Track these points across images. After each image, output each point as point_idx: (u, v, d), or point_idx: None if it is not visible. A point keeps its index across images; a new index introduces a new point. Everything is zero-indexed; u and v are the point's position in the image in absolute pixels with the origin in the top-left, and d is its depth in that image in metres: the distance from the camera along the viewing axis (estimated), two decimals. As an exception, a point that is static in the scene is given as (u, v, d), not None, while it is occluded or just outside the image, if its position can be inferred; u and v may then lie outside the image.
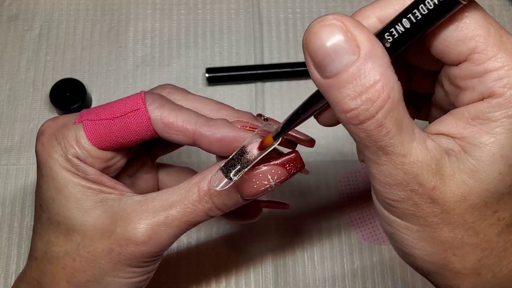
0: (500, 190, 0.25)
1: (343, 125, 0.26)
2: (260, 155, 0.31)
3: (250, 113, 0.37)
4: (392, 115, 0.24)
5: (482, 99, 0.25)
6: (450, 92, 0.26)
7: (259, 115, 0.39)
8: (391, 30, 0.25)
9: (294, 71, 0.59)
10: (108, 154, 0.35)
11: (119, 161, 0.36)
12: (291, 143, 0.37)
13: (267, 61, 0.60)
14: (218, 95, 0.58)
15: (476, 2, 0.24)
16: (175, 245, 0.52)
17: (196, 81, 0.59)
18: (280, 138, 0.31)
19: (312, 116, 0.31)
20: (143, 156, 0.41)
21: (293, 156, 0.34)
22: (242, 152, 0.32)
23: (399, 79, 0.24)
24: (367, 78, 0.23)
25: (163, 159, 0.46)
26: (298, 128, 0.32)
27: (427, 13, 0.24)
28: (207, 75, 0.58)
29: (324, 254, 0.52)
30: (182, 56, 0.60)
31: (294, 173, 0.34)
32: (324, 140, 0.55)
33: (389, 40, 0.25)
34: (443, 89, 0.28)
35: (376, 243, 0.53)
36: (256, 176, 0.33)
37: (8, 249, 0.52)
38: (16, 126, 0.57)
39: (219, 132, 0.34)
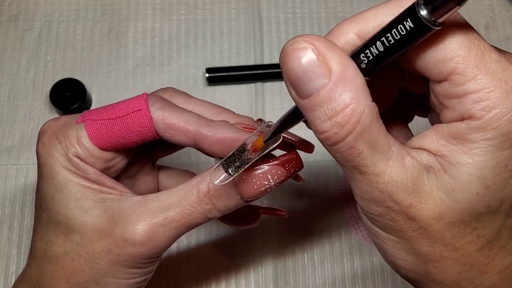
0: (478, 209, 0.25)
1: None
2: (260, 154, 0.32)
3: (251, 118, 0.37)
4: (363, 138, 0.24)
5: (462, 120, 0.25)
6: (436, 104, 0.27)
7: (260, 120, 0.39)
8: (366, 52, 0.25)
9: (294, 71, 0.58)
10: (109, 154, 0.35)
11: (119, 162, 0.37)
12: (291, 146, 0.38)
13: (267, 61, 0.60)
14: (218, 95, 0.58)
15: (460, 20, 0.24)
16: (175, 246, 0.52)
17: (196, 81, 0.59)
18: (281, 138, 0.31)
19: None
20: (143, 158, 0.41)
21: (293, 156, 0.34)
22: (243, 149, 0.32)
23: (391, 79, 0.24)
24: (337, 102, 0.24)
25: (163, 160, 0.46)
26: (299, 134, 0.32)
27: (399, 38, 0.23)
28: (207, 75, 0.58)
29: (324, 254, 0.52)
30: (182, 56, 0.60)
31: (293, 173, 0.34)
32: (324, 140, 0.55)
33: (364, 61, 0.25)
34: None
35: (376, 243, 0.53)
36: (256, 177, 0.33)
37: (8, 249, 0.52)
38: (16, 126, 0.57)
39: (220, 133, 0.34)
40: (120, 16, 0.61)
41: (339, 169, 0.28)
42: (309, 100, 0.24)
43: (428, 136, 0.26)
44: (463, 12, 0.62)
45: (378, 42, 0.24)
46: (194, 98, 0.38)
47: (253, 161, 0.32)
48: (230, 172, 0.32)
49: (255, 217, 0.42)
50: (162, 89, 0.38)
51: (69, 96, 0.56)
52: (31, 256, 0.36)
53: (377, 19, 0.25)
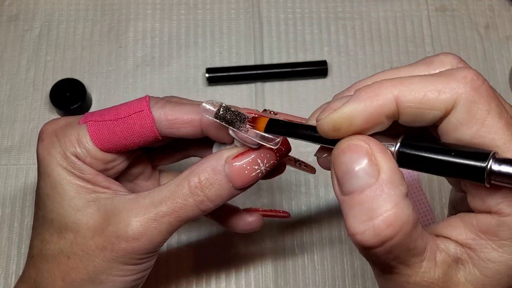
0: None
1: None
2: (250, 137, 0.31)
3: (256, 110, 0.37)
4: (402, 245, 0.24)
5: (490, 213, 0.25)
6: (465, 186, 0.27)
7: (265, 111, 0.39)
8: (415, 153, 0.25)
9: (294, 71, 0.58)
10: (109, 156, 0.36)
11: (119, 164, 0.37)
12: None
13: (267, 61, 0.60)
14: (218, 95, 0.58)
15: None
16: (175, 245, 0.52)
17: (196, 81, 0.59)
18: (279, 145, 0.31)
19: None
20: (145, 162, 0.41)
21: (280, 139, 0.34)
22: (242, 118, 0.32)
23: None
24: (380, 204, 0.24)
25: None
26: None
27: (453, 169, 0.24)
28: (207, 75, 0.58)
29: (324, 254, 0.52)
30: (182, 56, 0.60)
31: (282, 155, 0.34)
32: (324, 140, 0.55)
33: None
34: None
35: (376, 243, 0.53)
36: (246, 162, 0.33)
37: (8, 249, 0.52)
38: (16, 126, 0.57)
39: None
40: (120, 16, 0.61)
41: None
42: (351, 196, 0.24)
43: (455, 227, 0.26)
44: (463, 11, 0.62)
45: (431, 156, 0.25)
46: (198, 101, 0.39)
47: (239, 133, 0.32)
48: (220, 111, 0.32)
49: (257, 222, 0.41)
50: (167, 97, 0.38)
51: (69, 96, 0.56)
52: (29, 255, 0.37)
53: (421, 92, 0.25)
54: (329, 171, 0.27)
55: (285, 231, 0.53)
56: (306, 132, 0.29)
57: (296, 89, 0.59)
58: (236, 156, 0.33)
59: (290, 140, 0.33)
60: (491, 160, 0.23)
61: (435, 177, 0.55)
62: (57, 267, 0.35)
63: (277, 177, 0.40)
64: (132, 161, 0.39)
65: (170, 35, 0.61)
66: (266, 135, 0.31)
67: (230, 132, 0.33)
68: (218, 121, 0.32)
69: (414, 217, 0.24)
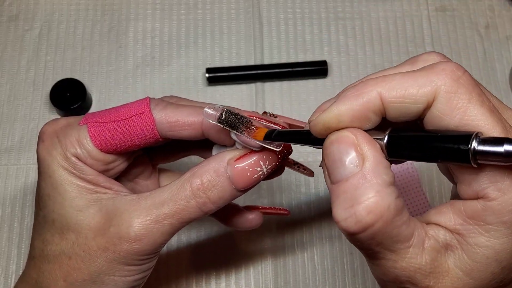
0: (492, 285, 0.26)
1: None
2: (251, 141, 0.32)
3: (256, 112, 0.37)
4: (384, 232, 0.25)
5: (477, 198, 0.25)
6: (453, 171, 0.27)
7: (265, 113, 0.39)
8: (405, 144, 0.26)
9: (294, 71, 0.59)
10: (109, 157, 0.36)
11: (119, 165, 0.37)
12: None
13: (267, 61, 0.60)
14: (218, 95, 0.58)
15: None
16: (175, 245, 0.52)
17: (196, 81, 0.59)
18: (280, 148, 0.32)
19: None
20: (145, 162, 0.41)
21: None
22: (246, 121, 0.32)
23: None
24: (361, 192, 0.24)
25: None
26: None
27: (441, 153, 0.25)
28: (207, 75, 0.58)
29: (324, 254, 0.52)
30: (182, 56, 0.60)
31: (283, 157, 0.35)
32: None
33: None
34: None
35: (376, 243, 0.53)
36: (248, 164, 0.33)
37: (8, 249, 0.52)
38: (16, 126, 0.57)
39: None
40: (120, 16, 0.61)
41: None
42: (338, 185, 0.25)
43: (445, 214, 0.27)
44: (463, 11, 0.62)
45: (418, 144, 0.25)
46: (198, 102, 0.39)
47: (242, 137, 0.32)
48: (223, 115, 0.32)
49: (257, 219, 0.42)
50: (166, 97, 0.39)
51: (69, 96, 0.56)
52: (30, 256, 0.37)
53: (402, 88, 0.26)
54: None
55: (285, 231, 0.53)
56: (302, 136, 0.30)
57: (296, 89, 0.59)
58: (238, 158, 0.33)
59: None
60: (474, 140, 0.23)
61: (435, 176, 0.55)
62: (59, 268, 0.35)
63: (277, 177, 0.40)
64: (132, 161, 0.39)
65: (170, 35, 0.61)
66: None
67: (232, 135, 0.33)
68: (221, 125, 0.32)
69: (396, 205, 0.25)
